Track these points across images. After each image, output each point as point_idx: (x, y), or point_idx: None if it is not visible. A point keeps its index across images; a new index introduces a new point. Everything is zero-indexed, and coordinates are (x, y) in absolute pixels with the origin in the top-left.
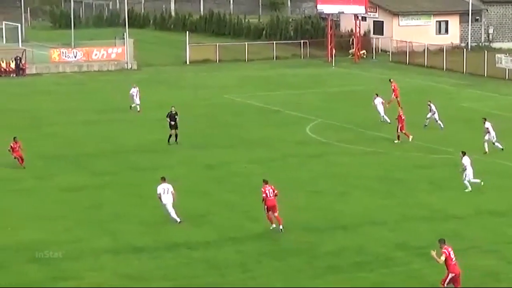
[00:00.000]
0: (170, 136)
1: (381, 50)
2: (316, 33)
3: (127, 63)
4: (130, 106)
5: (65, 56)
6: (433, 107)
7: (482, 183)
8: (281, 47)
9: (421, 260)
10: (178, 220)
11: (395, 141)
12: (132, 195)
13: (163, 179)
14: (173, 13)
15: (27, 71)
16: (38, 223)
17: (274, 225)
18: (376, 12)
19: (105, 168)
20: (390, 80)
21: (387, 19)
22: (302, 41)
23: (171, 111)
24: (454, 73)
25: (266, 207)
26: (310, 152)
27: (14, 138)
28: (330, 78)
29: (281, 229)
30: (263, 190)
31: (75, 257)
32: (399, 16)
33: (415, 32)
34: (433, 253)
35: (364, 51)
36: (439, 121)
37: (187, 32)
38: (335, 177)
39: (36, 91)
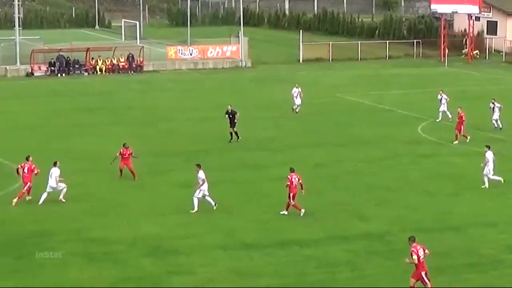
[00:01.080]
0: (231, 133)
1: (494, 50)
2: (429, 32)
3: (241, 61)
4: (292, 108)
5: (181, 54)
6: (497, 105)
7: (503, 180)
8: (394, 47)
9: None
10: (213, 203)
11: (454, 142)
12: (243, 193)
13: (199, 166)
14: (287, 12)
15: (145, 68)
16: (153, 218)
17: (303, 210)
18: (490, 12)
19: (217, 165)
20: None
21: (501, 19)
22: (415, 40)
23: (227, 110)
24: None
25: (291, 194)
26: (421, 152)
27: (124, 144)
28: (442, 78)
29: (302, 212)
30: (289, 178)
31: (188, 252)
32: None
33: None
34: (406, 260)
35: (477, 51)
36: (499, 121)
37: (301, 30)
38: (446, 178)
39: (153, 88)
